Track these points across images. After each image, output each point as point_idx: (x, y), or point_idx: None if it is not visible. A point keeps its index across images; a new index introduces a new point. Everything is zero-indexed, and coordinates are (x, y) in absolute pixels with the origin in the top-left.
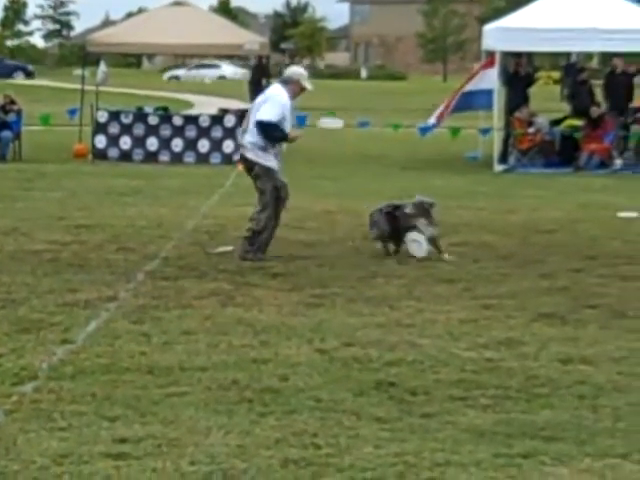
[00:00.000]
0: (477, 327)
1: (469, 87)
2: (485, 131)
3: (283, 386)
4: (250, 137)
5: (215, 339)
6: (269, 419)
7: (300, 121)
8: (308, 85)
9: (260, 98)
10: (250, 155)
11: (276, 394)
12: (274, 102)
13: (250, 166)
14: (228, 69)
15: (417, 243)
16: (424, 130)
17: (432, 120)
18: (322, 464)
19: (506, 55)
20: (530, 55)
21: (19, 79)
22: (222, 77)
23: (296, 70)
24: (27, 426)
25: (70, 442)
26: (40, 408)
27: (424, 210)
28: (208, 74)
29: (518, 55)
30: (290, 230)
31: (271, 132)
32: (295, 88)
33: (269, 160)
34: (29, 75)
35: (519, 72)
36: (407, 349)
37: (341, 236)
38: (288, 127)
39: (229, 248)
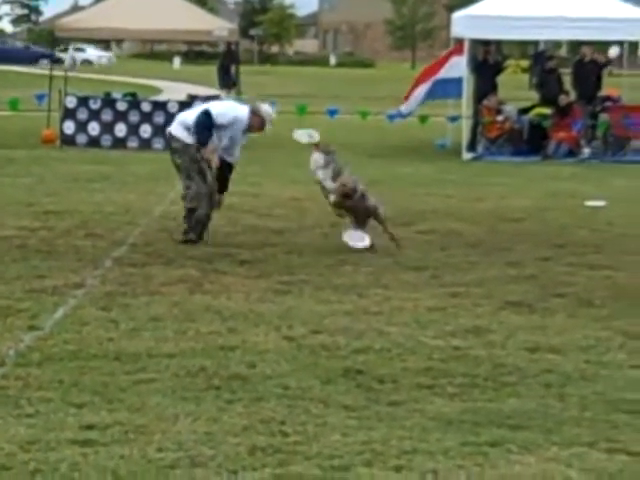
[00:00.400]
0: (445, 315)
1: (439, 75)
2: (454, 119)
3: (251, 373)
4: (183, 115)
5: (183, 326)
6: (236, 406)
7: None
8: (268, 126)
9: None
10: (172, 129)
11: (244, 381)
12: (231, 111)
13: (169, 140)
14: (93, 53)
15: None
16: (392, 116)
17: (404, 109)
18: (290, 452)
19: (475, 43)
20: (499, 43)
21: (45, 67)
22: (87, 61)
23: (268, 109)
24: None
25: (37, 429)
26: (7, 395)
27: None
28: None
29: (487, 43)
30: (258, 217)
31: (201, 124)
32: (256, 122)
33: (189, 138)
34: (56, 63)
35: (488, 60)
36: (375, 337)
37: (309, 223)
38: (226, 144)
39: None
